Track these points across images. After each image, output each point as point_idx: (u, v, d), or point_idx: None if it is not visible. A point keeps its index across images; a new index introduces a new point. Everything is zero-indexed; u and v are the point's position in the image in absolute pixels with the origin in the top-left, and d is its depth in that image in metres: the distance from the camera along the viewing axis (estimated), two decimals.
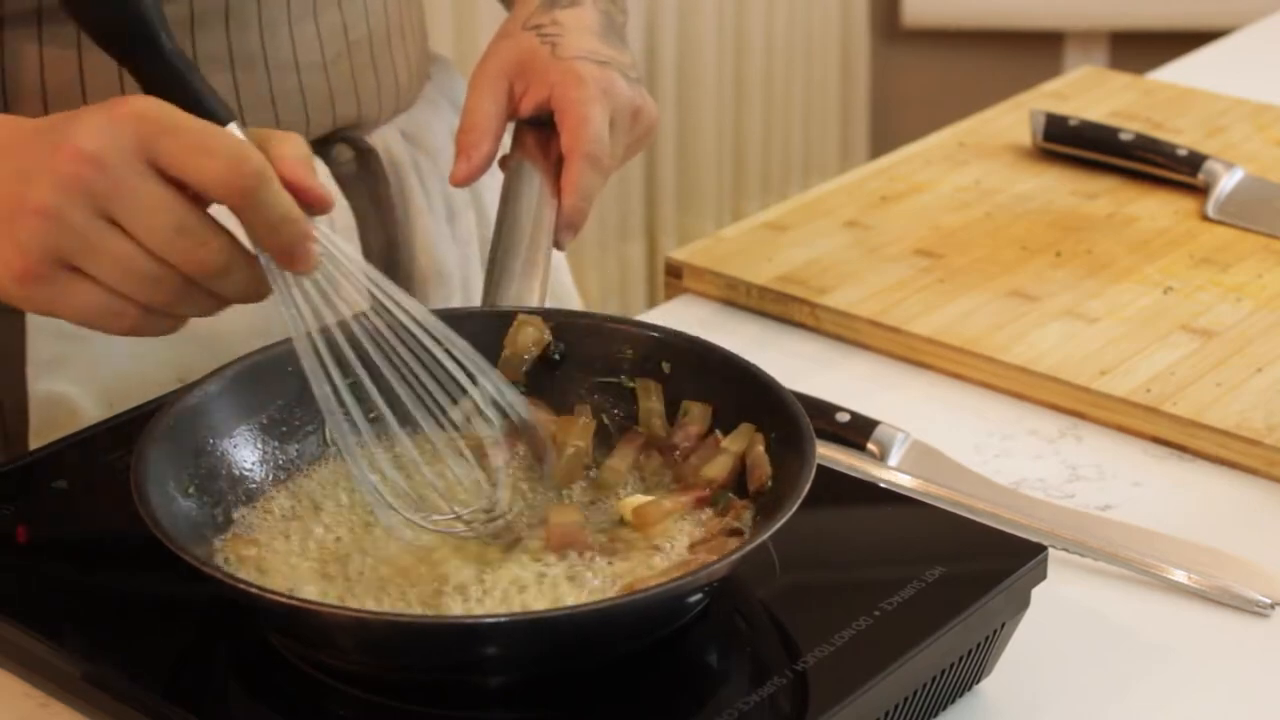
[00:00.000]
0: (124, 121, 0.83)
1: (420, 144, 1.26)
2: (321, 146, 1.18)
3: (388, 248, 1.23)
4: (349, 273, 0.87)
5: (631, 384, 0.97)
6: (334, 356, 0.87)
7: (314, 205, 0.86)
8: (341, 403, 0.86)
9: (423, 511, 0.88)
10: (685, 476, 0.93)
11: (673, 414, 0.96)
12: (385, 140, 1.22)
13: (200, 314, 0.86)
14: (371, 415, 0.88)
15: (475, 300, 1.27)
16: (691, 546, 0.88)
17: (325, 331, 0.87)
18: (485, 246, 1.27)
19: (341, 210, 1.18)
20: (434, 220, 1.26)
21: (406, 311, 0.88)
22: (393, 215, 1.23)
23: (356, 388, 0.87)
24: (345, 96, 1.18)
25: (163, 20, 0.88)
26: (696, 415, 0.95)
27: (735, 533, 0.88)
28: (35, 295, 0.84)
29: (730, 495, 0.91)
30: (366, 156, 1.21)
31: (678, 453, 0.94)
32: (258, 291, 0.86)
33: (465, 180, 1.08)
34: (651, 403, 0.96)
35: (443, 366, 0.88)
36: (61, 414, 1.11)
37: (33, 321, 1.10)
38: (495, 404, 0.90)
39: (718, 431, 0.94)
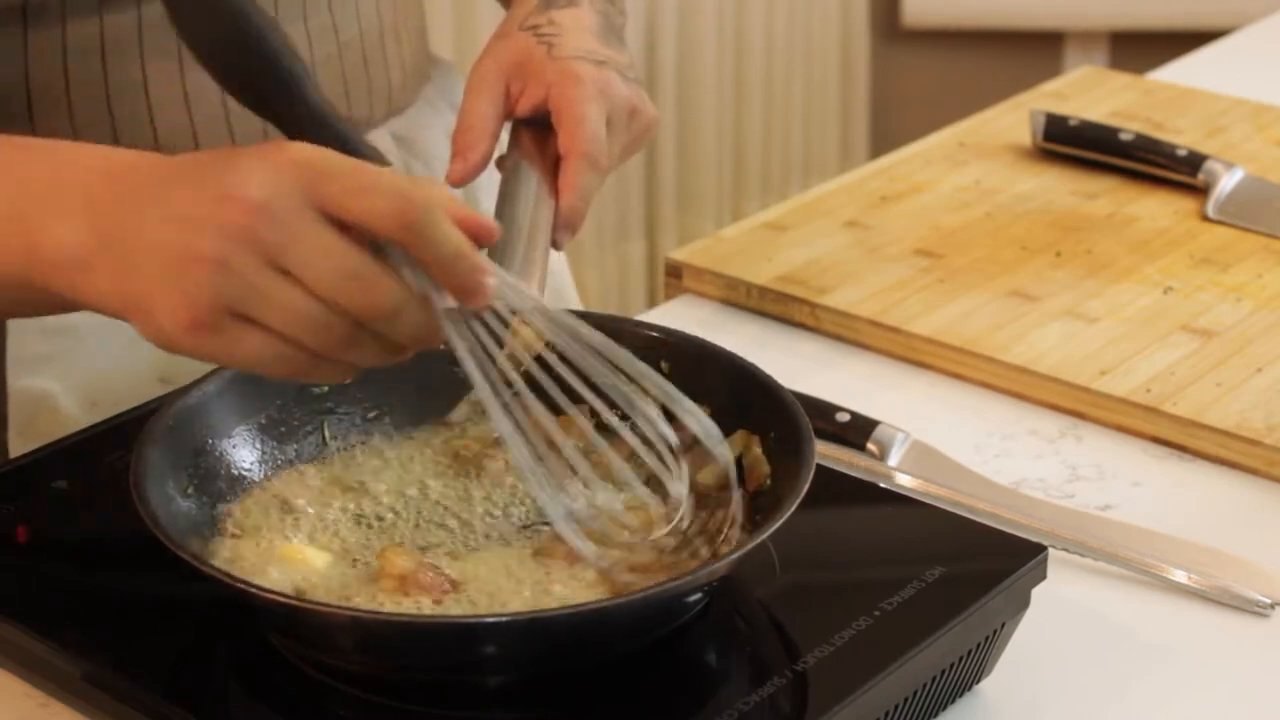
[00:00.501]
0: (286, 169, 0.81)
1: (413, 148, 1.25)
2: None
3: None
4: (523, 306, 0.85)
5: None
6: (513, 395, 0.85)
7: (480, 236, 0.84)
8: (525, 435, 0.85)
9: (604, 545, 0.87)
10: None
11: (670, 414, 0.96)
12: (377, 142, 1.18)
13: (375, 362, 0.84)
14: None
15: None
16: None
17: (502, 373, 0.85)
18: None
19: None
20: None
21: (587, 343, 0.86)
22: None
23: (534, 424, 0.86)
24: (335, 98, 1.16)
25: (306, 71, 0.89)
26: None
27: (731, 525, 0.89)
28: (204, 344, 0.83)
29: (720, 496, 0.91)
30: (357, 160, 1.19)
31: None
32: (431, 335, 0.84)
33: (461, 181, 1.07)
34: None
35: (630, 400, 0.86)
36: (42, 412, 1.10)
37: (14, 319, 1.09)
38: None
39: None
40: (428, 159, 1.26)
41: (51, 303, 0.88)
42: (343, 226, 0.82)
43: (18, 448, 1.11)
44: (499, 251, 1.06)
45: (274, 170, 0.82)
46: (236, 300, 0.81)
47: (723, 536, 0.88)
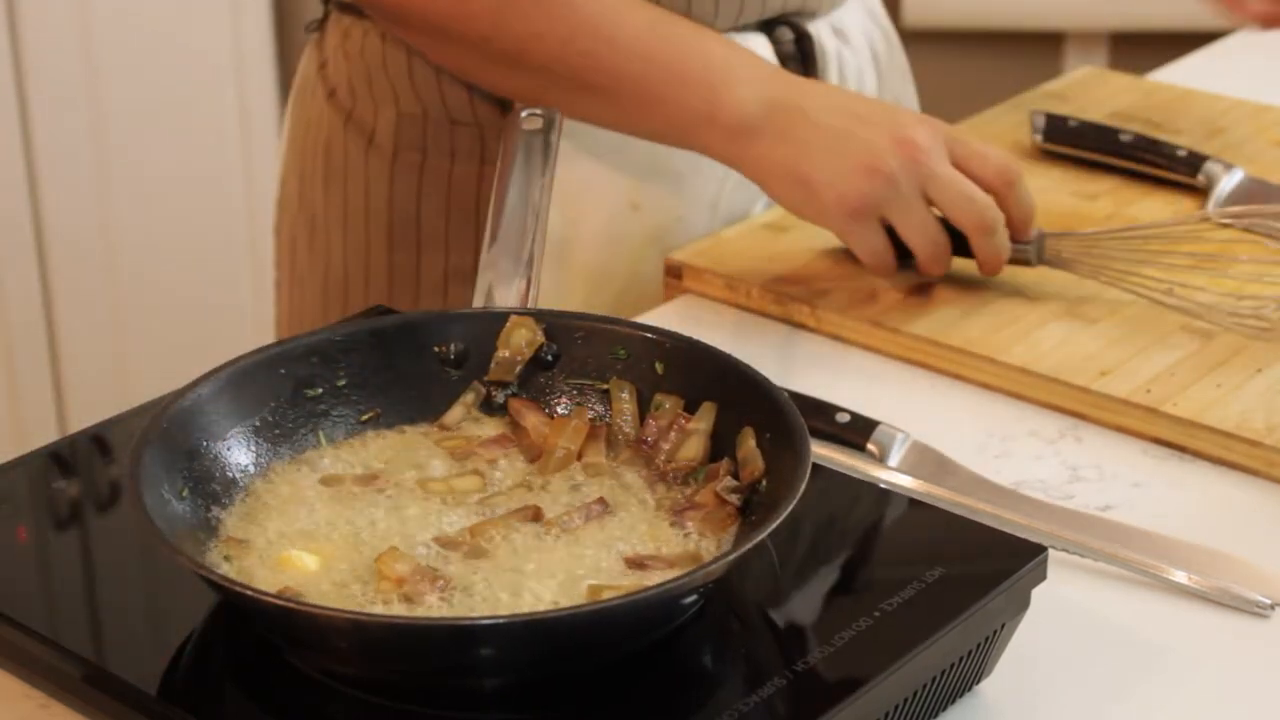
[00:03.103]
0: (935, 128, 1.20)
1: (847, 41, 1.43)
2: (768, 26, 1.37)
3: None
4: None
5: (605, 386, 0.97)
6: None
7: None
8: None
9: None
10: (658, 465, 0.94)
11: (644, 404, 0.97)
12: (819, 31, 1.40)
13: (937, 274, 1.23)
14: None
15: None
16: (681, 512, 0.90)
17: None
18: None
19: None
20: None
21: None
22: None
23: None
24: None
25: None
26: (669, 409, 0.95)
27: (723, 501, 0.90)
28: (849, 228, 1.20)
29: (706, 468, 0.92)
30: (803, 41, 1.39)
31: (647, 445, 0.95)
32: (1001, 257, 1.23)
33: None
34: (622, 403, 0.96)
35: None
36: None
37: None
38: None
39: (683, 416, 0.95)
40: (856, 50, 1.44)
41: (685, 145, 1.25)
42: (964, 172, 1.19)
43: None
44: (495, 251, 1.06)
45: (929, 128, 1.20)
46: (889, 206, 1.19)
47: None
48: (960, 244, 1.26)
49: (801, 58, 1.38)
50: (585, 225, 1.34)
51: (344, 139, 1.39)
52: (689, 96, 1.22)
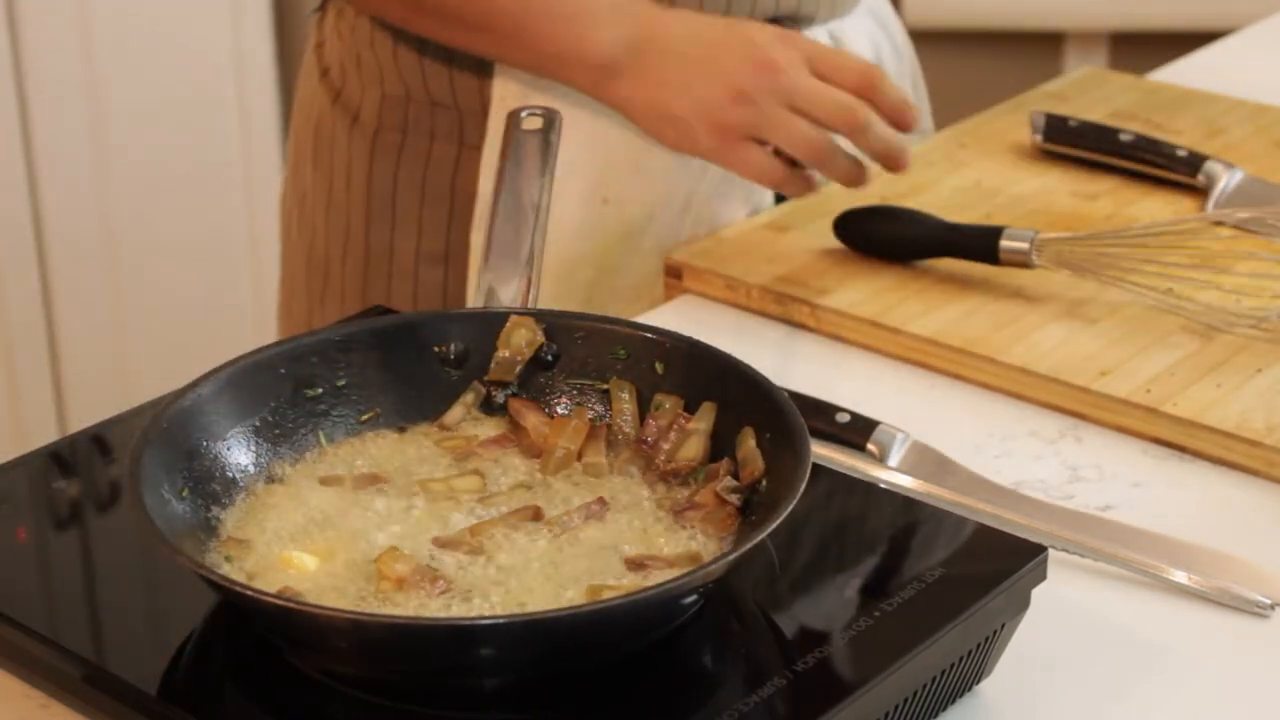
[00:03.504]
0: (792, 41, 1.23)
1: (844, 45, 1.41)
2: None
3: None
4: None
5: (605, 386, 0.97)
6: None
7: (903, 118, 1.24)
8: None
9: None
10: (658, 464, 0.94)
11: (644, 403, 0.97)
12: (814, 37, 1.38)
13: (839, 174, 1.24)
14: None
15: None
16: (681, 512, 0.90)
17: None
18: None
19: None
20: None
21: None
22: None
23: None
24: None
25: None
26: (669, 409, 0.95)
27: (723, 501, 0.90)
28: (727, 154, 1.23)
29: (706, 468, 0.92)
30: None
31: (647, 445, 0.95)
32: (896, 153, 1.24)
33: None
34: (622, 403, 0.96)
35: None
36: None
37: (493, 125, 1.34)
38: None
39: (683, 416, 0.95)
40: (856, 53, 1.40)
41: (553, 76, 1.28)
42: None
43: (475, 242, 1.36)
44: (494, 251, 1.06)
45: (786, 44, 1.22)
46: (760, 128, 1.21)
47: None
48: (956, 246, 1.26)
49: None
50: (555, 215, 1.33)
51: (332, 118, 1.42)
52: (557, 35, 1.25)
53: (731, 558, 0.82)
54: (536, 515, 0.90)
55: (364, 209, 1.41)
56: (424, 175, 1.39)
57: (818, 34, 1.40)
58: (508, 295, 1.04)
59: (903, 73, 1.51)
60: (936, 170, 1.43)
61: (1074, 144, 1.44)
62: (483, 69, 1.35)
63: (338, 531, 0.90)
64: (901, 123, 1.24)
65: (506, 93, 1.34)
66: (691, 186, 1.37)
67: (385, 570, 0.85)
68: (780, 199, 1.40)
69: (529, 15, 1.26)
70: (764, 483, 0.90)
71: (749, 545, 0.82)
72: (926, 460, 1.07)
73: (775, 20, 1.37)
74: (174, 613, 0.88)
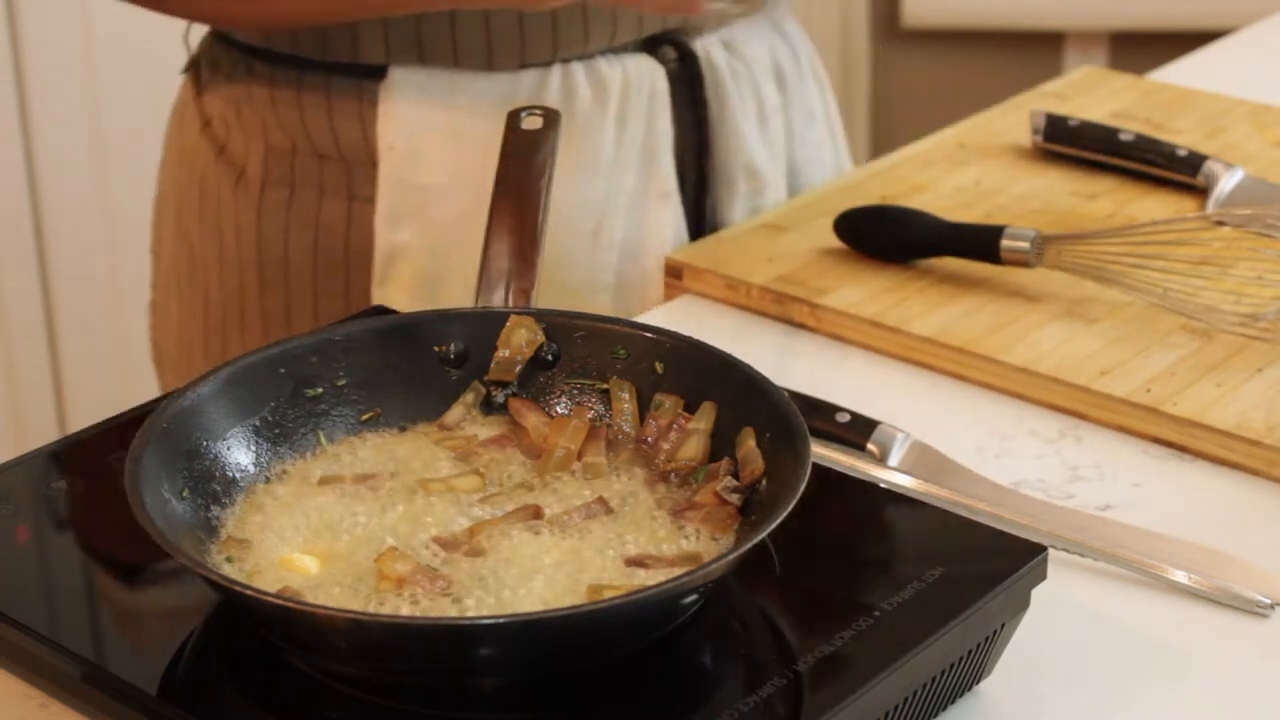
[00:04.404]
0: None
1: (739, 54, 1.38)
2: (651, 45, 1.34)
3: (700, 147, 1.37)
4: None
5: (605, 386, 0.97)
6: None
7: None
8: None
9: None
10: (658, 464, 0.94)
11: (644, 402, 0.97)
12: (706, 46, 1.36)
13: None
14: None
15: (783, 198, 1.42)
16: (681, 512, 0.90)
17: None
18: (791, 147, 1.44)
19: (662, 109, 1.33)
20: (746, 122, 1.38)
21: None
22: (707, 114, 1.37)
23: None
24: None
25: None
26: (668, 408, 0.95)
27: (723, 501, 0.90)
28: None
29: (705, 468, 0.92)
30: (688, 59, 1.35)
31: (647, 444, 0.95)
32: None
33: None
34: (622, 403, 0.96)
35: None
36: (401, 263, 1.29)
37: (383, 175, 1.29)
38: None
39: (683, 416, 0.95)
40: (750, 63, 1.39)
41: None
42: None
43: (378, 297, 1.31)
44: (495, 250, 1.06)
45: None
46: None
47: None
48: (956, 246, 1.26)
49: (689, 77, 1.35)
50: (464, 254, 1.30)
51: (217, 174, 1.38)
52: None
53: (731, 558, 0.82)
54: (536, 515, 0.90)
55: (257, 273, 1.36)
56: (315, 235, 1.34)
57: (709, 44, 1.36)
58: (507, 295, 1.04)
59: (805, 86, 1.46)
60: (936, 170, 1.43)
61: (1074, 144, 1.44)
62: (365, 113, 1.30)
63: (337, 531, 0.90)
64: None
65: (393, 140, 1.30)
66: (600, 216, 1.33)
67: (385, 570, 0.85)
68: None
69: None
70: (764, 483, 0.90)
71: (749, 545, 0.82)
72: (926, 460, 1.07)
73: (665, 31, 1.34)
74: (174, 613, 0.88)
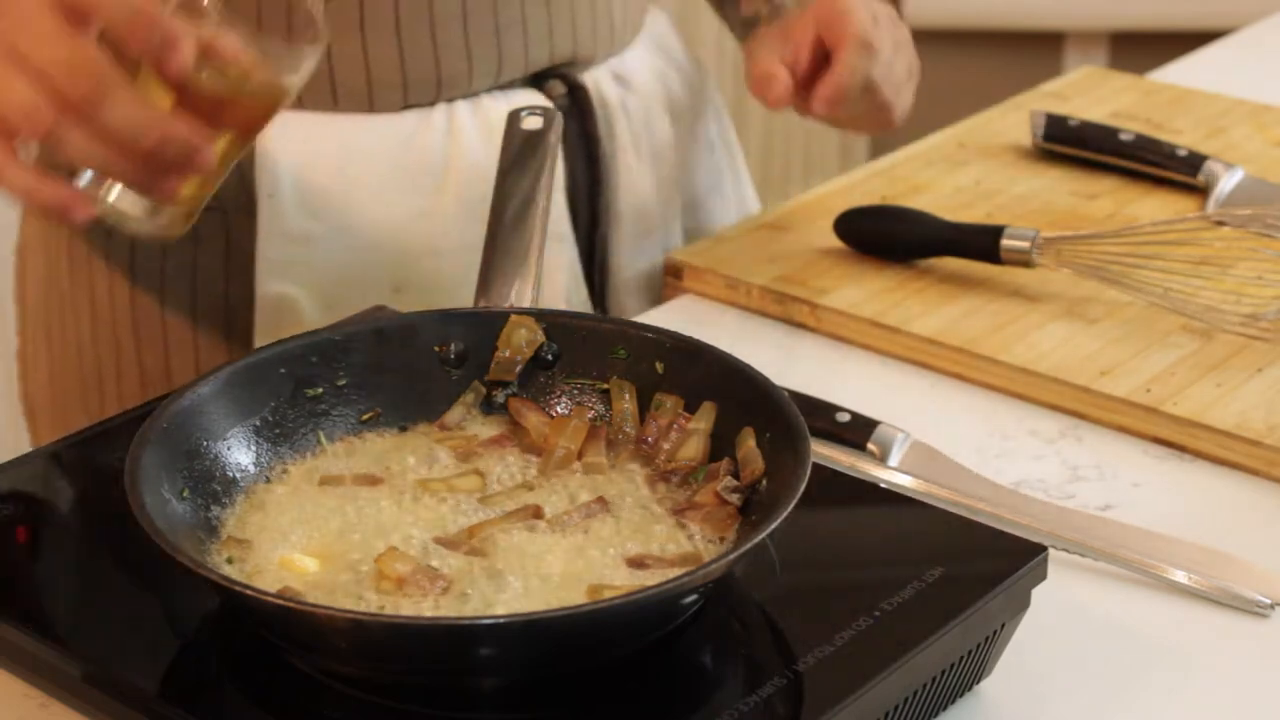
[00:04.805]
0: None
1: (630, 86, 1.33)
2: (538, 80, 1.28)
3: (591, 184, 1.32)
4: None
5: (605, 385, 0.97)
6: None
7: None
8: None
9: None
10: (658, 464, 0.94)
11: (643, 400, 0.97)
12: (596, 79, 1.30)
13: (87, 155, 0.89)
14: None
15: (677, 240, 1.38)
16: (681, 512, 0.90)
17: None
18: (690, 181, 1.39)
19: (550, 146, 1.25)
20: (638, 160, 1.33)
21: None
22: (598, 150, 1.31)
23: None
24: (563, 32, 1.26)
25: None
26: (668, 408, 0.95)
27: (724, 501, 0.90)
28: None
29: (706, 468, 0.92)
30: (578, 93, 1.29)
31: (648, 444, 0.95)
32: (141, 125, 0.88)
33: (781, 100, 1.16)
34: (622, 403, 0.96)
35: None
36: (285, 315, 1.20)
37: (263, 225, 1.22)
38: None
39: (683, 416, 0.95)
40: (643, 95, 1.34)
41: None
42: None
43: None
44: (495, 250, 1.06)
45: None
46: None
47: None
48: (957, 246, 1.26)
49: (579, 112, 1.29)
50: (354, 305, 1.22)
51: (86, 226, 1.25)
52: None
53: (731, 558, 0.82)
54: (536, 515, 0.90)
55: (132, 329, 1.28)
56: (193, 288, 1.26)
57: (599, 76, 1.31)
58: (508, 295, 1.04)
59: (700, 114, 1.42)
60: (936, 170, 1.43)
61: (1074, 144, 1.44)
62: (241, 159, 1.13)
63: (338, 531, 0.90)
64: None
65: (272, 187, 1.22)
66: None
67: (385, 570, 0.85)
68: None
69: None
70: (764, 483, 0.90)
71: (749, 545, 0.82)
72: (926, 460, 1.07)
73: (553, 65, 1.28)
74: (174, 613, 0.88)
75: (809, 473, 0.86)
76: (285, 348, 0.96)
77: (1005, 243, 1.25)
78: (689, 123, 1.40)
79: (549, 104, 1.27)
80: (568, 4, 1.27)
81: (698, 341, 0.97)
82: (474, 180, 1.24)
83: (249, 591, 0.81)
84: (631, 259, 1.35)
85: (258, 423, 0.94)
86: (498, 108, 1.25)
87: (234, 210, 1.24)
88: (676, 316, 1.27)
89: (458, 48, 1.23)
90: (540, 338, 0.99)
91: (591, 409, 0.97)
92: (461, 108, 1.25)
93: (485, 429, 0.97)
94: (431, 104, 1.25)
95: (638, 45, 1.36)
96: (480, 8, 1.23)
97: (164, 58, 0.88)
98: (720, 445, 0.94)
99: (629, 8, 1.33)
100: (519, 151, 1.11)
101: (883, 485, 1.03)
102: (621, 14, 1.32)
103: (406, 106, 1.24)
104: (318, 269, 1.24)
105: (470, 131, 1.25)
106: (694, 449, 0.93)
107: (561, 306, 1.28)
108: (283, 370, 0.96)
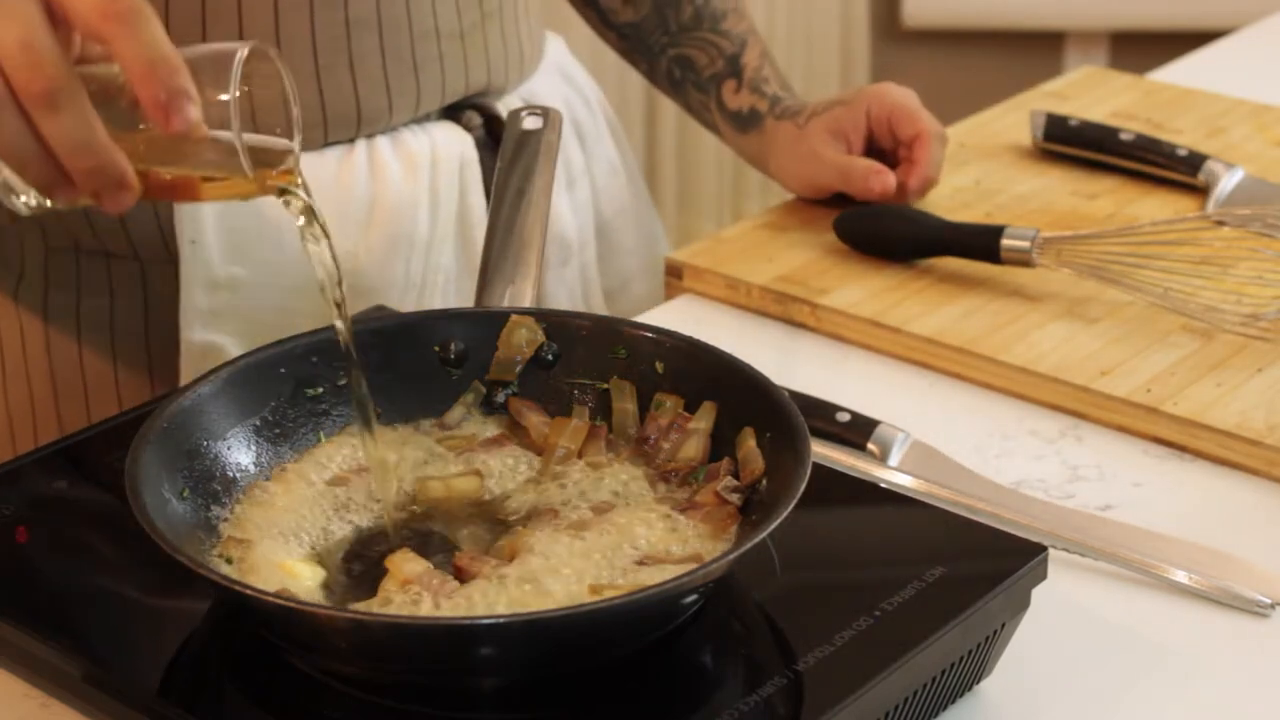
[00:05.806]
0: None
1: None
2: (454, 112, 1.29)
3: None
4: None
5: (605, 385, 0.97)
6: None
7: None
8: None
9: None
10: (659, 464, 0.94)
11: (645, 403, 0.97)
12: (509, 107, 1.29)
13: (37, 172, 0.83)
14: None
15: (593, 269, 1.38)
16: (681, 512, 0.90)
17: None
18: (599, 205, 1.39)
19: (473, 180, 1.28)
20: (554, 187, 1.28)
21: None
22: None
23: None
24: (478, 65, 1.27)
25: None
26: (669, 408, 0.95)
27: (724, 501, 0.90)
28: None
29: (706, 468, 0.92)
30: (493, 123, 1.30)
31: (648, 444, 0.95)
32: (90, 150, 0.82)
33: (889, 192, 1.31)
34: (624, 403, 0.96)
35: None
36: (212, 363, 1.17)
37: (186, 272, 1.20)
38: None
39: (683, 416, 0.95)
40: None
41: None
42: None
43: None
44: (495, 251, 1.06)
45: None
46: None
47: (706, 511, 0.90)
48: (957, 246, 1.26)
49: (495, 143, 1.27)
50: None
51: None
52: None
53: (731, 557, 0.82)
54: (537, 515, 0.90)
55: (49, 382, 1.26)
56: (111, 340, 1.24)
57: (512, 103, 1.30)
58: (508, 295, 1.04)
59: (602, 137, 1.42)
60: None
61: (1074, 144, 1.44)
62: (159, 206, 1.19)
63: (336, 531, 0.90)
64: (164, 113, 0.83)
65: (194, 233, 1.19)
66: (416, 297, 1.27)
67: (395, 571, 0.85)
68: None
69: None
70: (764, 483, 0.90)
71: (749, 545, 0.82)
72: (926, 460, 1.07)
73: (468, 96, 1.28)
74: (174, 613, 0.88)
75: (809, 473, 0.86)
76: (285, 348, 0.96)
77: (1005, 243, 1.25)
78: (592, 145, 1.40)
79: (468, 134, 1.28)
80: (481, 36, 1.27)
81: (698, 341, 0.97)
82: (399, 217, 1.24)
83: (249, 591, 0.81)
84: (554, 288, 1.35)
85: (258, 422, 0.94)
86: (417, 141, 1.25)
87: (151, 261, 1.22)
88: (676, 316, 1.27)
89: (377, 84, 1.22)
90: (540, 338, 0.99)
91: (591, 409, 0.97)
92: (382, 143, 1.25)
93: (485, 429, 0.97)
94: (351, 140, 1.24)
95: (542, 71, 1.37)
96: (398, 44, 1.22)
97: (172, 109, 0.81)
98: (720, 445, 0.94)
99: (534, 34, 1.35)
100: (518, 151, 1.11)
101: (883, 485, 1.03)
102: (529, 41, 1.33)
103: (327, 144, 1.23)
104: (244, 314, 1.22)
105: (392, 166, 1.24)
106: (694, 449, 0.93)
107: None
108: (283, 370, 0.96)
